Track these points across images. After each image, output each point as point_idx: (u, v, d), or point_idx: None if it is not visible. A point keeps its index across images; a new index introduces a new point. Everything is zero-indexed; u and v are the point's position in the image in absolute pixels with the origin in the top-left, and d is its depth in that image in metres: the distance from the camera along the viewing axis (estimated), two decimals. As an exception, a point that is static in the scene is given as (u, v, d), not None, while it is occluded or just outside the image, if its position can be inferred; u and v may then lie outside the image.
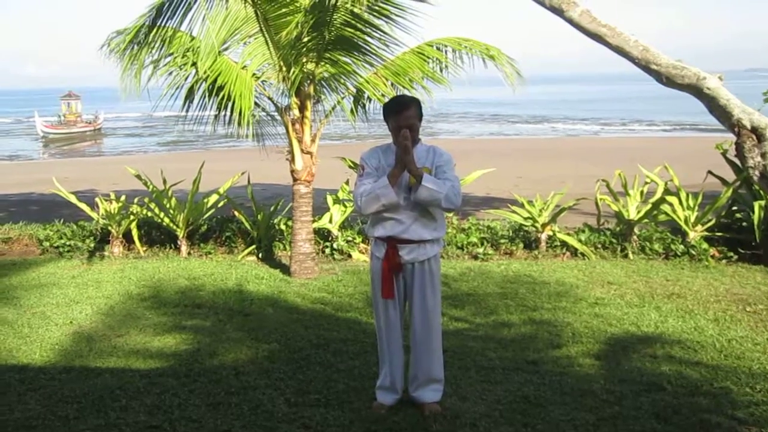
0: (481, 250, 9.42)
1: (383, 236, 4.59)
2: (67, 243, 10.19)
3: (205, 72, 8.06)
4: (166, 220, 10.02)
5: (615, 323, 6.52)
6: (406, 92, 8.60)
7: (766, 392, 4.85)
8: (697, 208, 9.30)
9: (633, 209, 9.55)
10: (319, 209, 10.03)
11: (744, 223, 9.40)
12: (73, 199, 10.72)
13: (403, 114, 4.48)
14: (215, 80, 8.18)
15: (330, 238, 9.86)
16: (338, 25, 7.65)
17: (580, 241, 9.43)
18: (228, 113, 8.57)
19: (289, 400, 4.87)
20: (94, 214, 10.45)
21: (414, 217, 4.53)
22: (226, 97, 8.18)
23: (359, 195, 4.55)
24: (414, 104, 4.55)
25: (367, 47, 7.96)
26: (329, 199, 10.10)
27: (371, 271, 4.77)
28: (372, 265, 4.75)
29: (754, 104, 9.28)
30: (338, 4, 7.30)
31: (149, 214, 10.25)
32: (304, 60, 8.07)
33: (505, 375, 5.27)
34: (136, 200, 10.54)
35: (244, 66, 8.43)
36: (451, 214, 9.68)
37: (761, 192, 9.01)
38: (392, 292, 4.59)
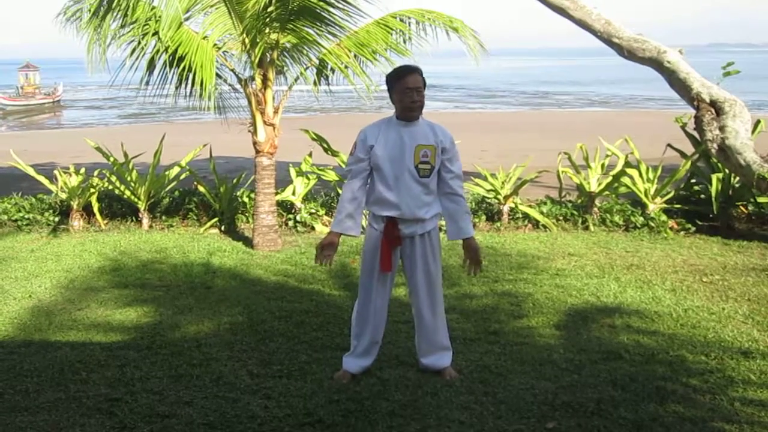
0: (443, 222, 9.42)
1: (381, 215, 4.61)
2: (26, 216, 10.03)
3: (166, 42, 7.94)
4: (127, 192, 9.91)
5: (575, 294, 6.61)
6: (369, 64, 8.58)
7: (720, 360, 4.96)
8: (656, 180, 9.42)
9: (594, 182, 9.65)
10: (283, 182, 10.00)
11: (702, 196, 9.56)
12: (31, 171, 10.54)
13: (413, 76, 4.49)
14: (175, 51, 8.05)
15: (293, 211, 9.84)
16: (301, -5, 7.58)
17: (541, 213, 9.51)
18: (189, 85, 8.46)
19: (252, 371, 4.88)
20: (53, 187, 10.30)
21: (409, 199, 4.53)
22: (187, 69, 8.06)
23: (346, 178, 4.66)
24: (418, 71, 4.55)
25: (330, 18, 7.91)
26: (292, 172, 10.06)
27: (366, 239, 4.75)
28: (368, 233, 4.73)
29: (714, 79, 9.44)
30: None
31: (110, 186, 10.12)
32: (267, 30, 7.99)
33: (466, 345, 5.33)
34: (96, 173, 10.39)
35: (205, 36, 8.31)
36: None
37: (719, 165, 9.16)
38: (390, 266, 4.63)
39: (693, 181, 9.88)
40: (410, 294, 4.83)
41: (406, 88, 4.46)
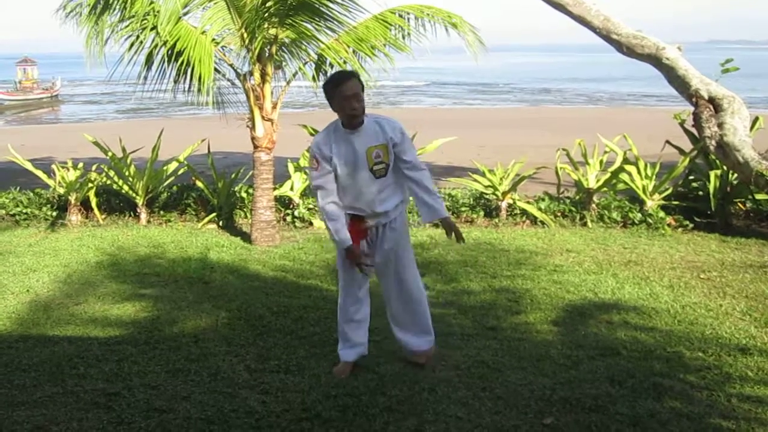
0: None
1: (345, 212, 4.64)
2: (24, 211, 10.02)
3: (164, 36, 7.93)
4: (125, 187, 9.90)
5: (573, 290, 6.61)
6: (368, 59, 8.57)
7: (717, 356, 4.96)
8: (654, 177, 9.42)
9: (592, 178, 9.64)
10: (281, 177, 9.99)
11: (700, 192, 9.56)
12: (29, 166, 10.54)
13: (349, 83, 4.42)
14: (174, 46, 8.04)
15: (291, 206, 9.84)
16: (300, -10, 7.57)
17: (539, 209, 9.51)
18: (188, 80, 8.45)
19: (249, 366, 4.88)
20: (51, 182, 10.29)
21: (368, 199, 4.56)
22: (185, 63, 8.05)
23: (318, 192, 4.58)
24: (354, 76, 4.51)
25: (329, 13, 7.90)
26: (290, 167, 10.05)
27: None
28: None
29: (713, 76, 9.44)
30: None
31: (108, 181, 10.12)
32: (266, 25, 7.99)
33: (464, 341, 5.33)
34: (94, 168, 10.39)
35: (204, 31, 8.30)
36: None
37: (717, 161, 9.16)
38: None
39: (691, 177, 9.89)
40: (378, 277, 4.86)
41: (344, 96, 4.39)
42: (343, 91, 4.40)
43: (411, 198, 4.77)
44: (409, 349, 4.89)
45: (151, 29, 8.19)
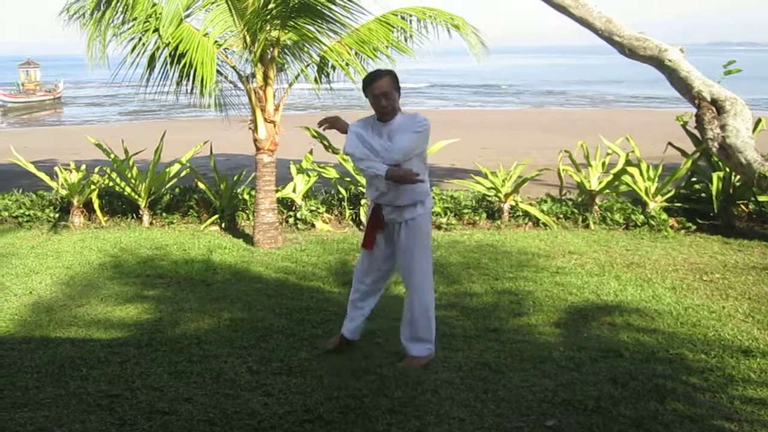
0: (444, 219, 9.46)
1: (371, 200, 4.93)
2: (27, 213, 10.03)
3: (166, 39, 7.94)
4: (128, 189, 9.90)
5: (575, 292, 6.61)
6: (370, 61, 8.58)
7: (719, 358, 4.96)
8: (657, 179, 9.42)
9: (595, 180, 9.64)
10: (283, 179, 9.99)
11: (703, 194, 9.55)
12: (32, 168, 10.55)
13: (376, 83, 4.73)
14: (176, 48, 8.05)
15: (293, 208, 9.84)
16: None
17: (542, 211, 9.51)
18: (190, 82, 8.46)
19: (252, 368, 4.88)
20: (53, 184, 10.30)
21: (391, 186, 4.73)
22: (187, 65, 8.06)
23: (352, 157, 4.87)
24: (387, 75, 4.80)
25: (331, 15, 7.92)
26: (293, 169, 10.06)
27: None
28: (366, 216, 5.11)
29: (715, 78, 9.42)
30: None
31: (110, 183, 10.13)
32: (268, 28, 8.00)
33: (466, 342, 5.33)
34: (96, 170, 10.39)
35: (206, 33, 8.31)
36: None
37: (720, 163, 9.15)
38: (372, 245, 4.93)
39: (694, 179, 9.88)
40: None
41: (374, 95, 4.74)
42: (373, 89, 4.74)
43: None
44: (405, 352, 4.98)
45: (154, 31, 8.20)
